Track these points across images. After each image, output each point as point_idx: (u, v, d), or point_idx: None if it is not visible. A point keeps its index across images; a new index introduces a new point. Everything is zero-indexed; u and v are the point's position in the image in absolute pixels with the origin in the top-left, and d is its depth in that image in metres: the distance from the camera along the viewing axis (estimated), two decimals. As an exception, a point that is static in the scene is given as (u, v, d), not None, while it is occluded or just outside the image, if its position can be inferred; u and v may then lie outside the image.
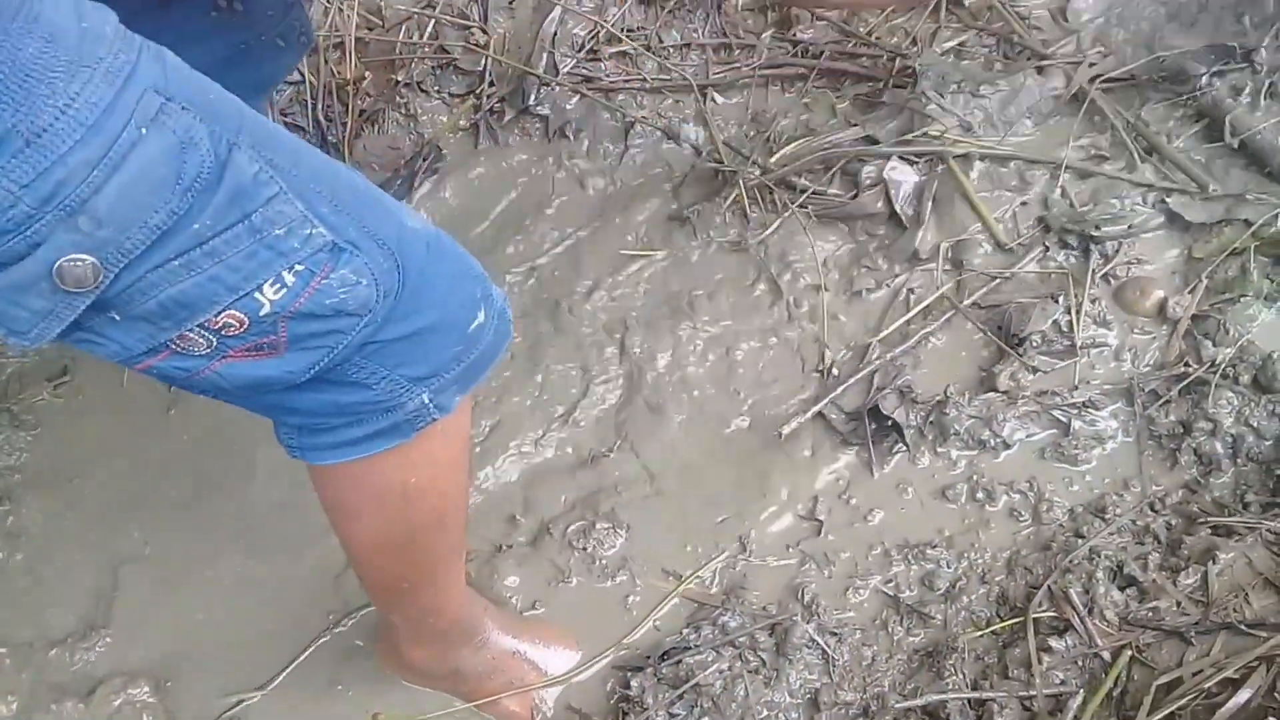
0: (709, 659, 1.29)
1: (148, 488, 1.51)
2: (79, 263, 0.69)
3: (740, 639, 1.31)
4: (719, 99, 1.82)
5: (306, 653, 1.37)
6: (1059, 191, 1.63)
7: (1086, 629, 1.24)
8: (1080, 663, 1.23)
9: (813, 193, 1.64)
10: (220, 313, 0.76)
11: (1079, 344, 1.49)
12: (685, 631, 1.35)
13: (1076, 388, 1.47)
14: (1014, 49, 1.80)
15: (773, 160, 1.69)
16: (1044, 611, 1.27)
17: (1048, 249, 1.59)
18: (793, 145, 1.71)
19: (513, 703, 1.32)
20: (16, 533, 1.48)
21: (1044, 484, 1.42)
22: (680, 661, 1.29)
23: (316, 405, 0.88)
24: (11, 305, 0.71)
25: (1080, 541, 1.34)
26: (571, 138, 1.83)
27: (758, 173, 1.67)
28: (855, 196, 1.64)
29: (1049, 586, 1.28)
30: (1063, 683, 1.21)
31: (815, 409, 1.49)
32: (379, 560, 1.10)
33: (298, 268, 0.77)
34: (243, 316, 0.77)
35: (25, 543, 1.46)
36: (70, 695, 1.32)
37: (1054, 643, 1.24)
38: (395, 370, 0.87)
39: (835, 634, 1.31)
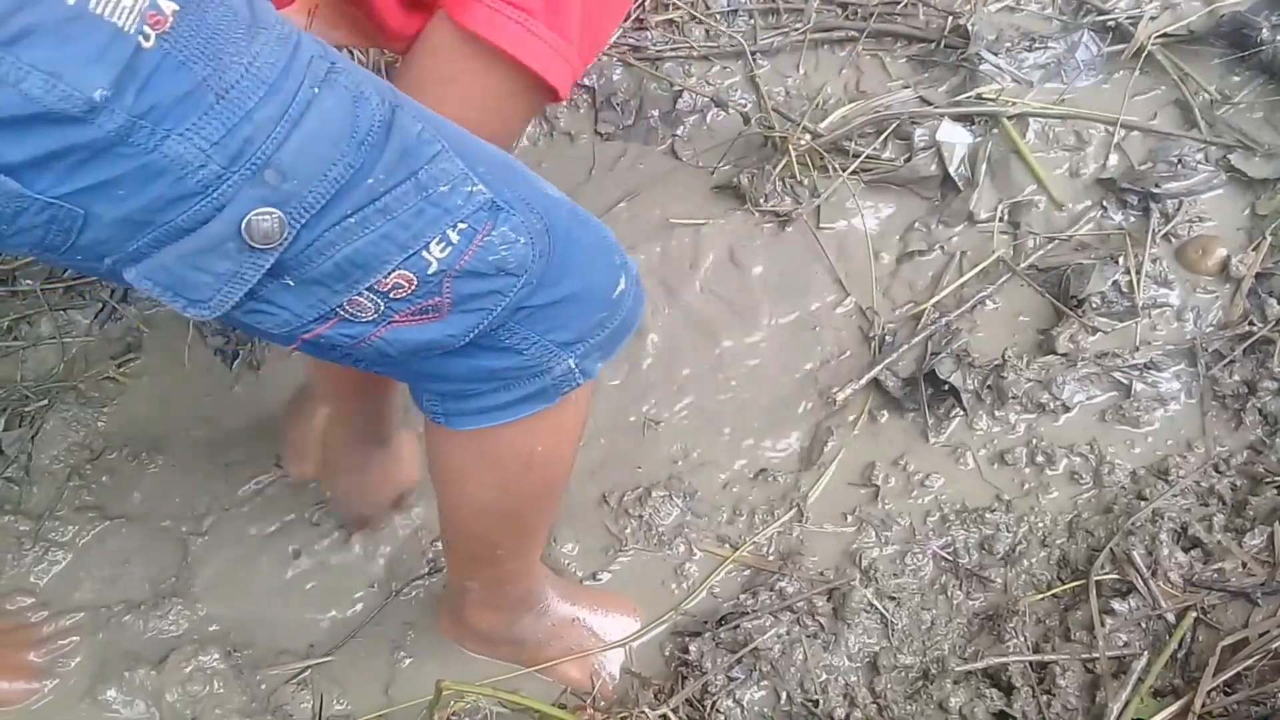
0: (767, 624, 1.29)
1: (214, 462, 1.54)
2: (266, 216, 0.70)
3: (798, 604, 1.31)
4: (767, 64, 1.80)
5: (370, 620, 1.39)
6: (1117, 150, 1.60)
7: (1150, 591, 1.23)
8: (1144, 625, 1.22)
9: (865, 158, 1.63)
10: (391, 272, 0.78)
11: (1140, 305, 1.47)
12: (742, 597, 1.35)
13: (1138, 349, 1.45)
14: (1070, 5, 1.76)
15: (823, 125, 1.68)
16: (1106, 574, 1.26)
17: (1106, 209, 1.57)
18: (843, 109, 1.69)
19: (572, 668, 1.34)
20: (87, 507, 1.51)
21: (1105, 446, 1.40)
22: (738, 626, 1.29)
23: (469, 371, 0.90)
24: (194, 270, 0.73)
25: (1143, 504, 1.32)
26: (619, 109, 1.83)
27: (808, 138, 1.65)
28: (909, 160, 1.63)
29: (1111, 549, 1.27)
30: (1126, 645, 1.21)
31: (870, 375, 1.48)
32: (481, 526, 1.12)
33: (461, 225, 0.79)
34: (412, 276, 0.78)
35: (96, 516, 1.50)
36: (143, 662, 1.35)
37: (1117, 605, 1.23)
38: (545, 335, 0.89)
39: (894, 598, 1.31)
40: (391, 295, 0.79)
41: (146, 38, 0.63)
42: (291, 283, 0.76)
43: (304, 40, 0.72)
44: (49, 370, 1.65)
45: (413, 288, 0.79)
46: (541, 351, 0.90)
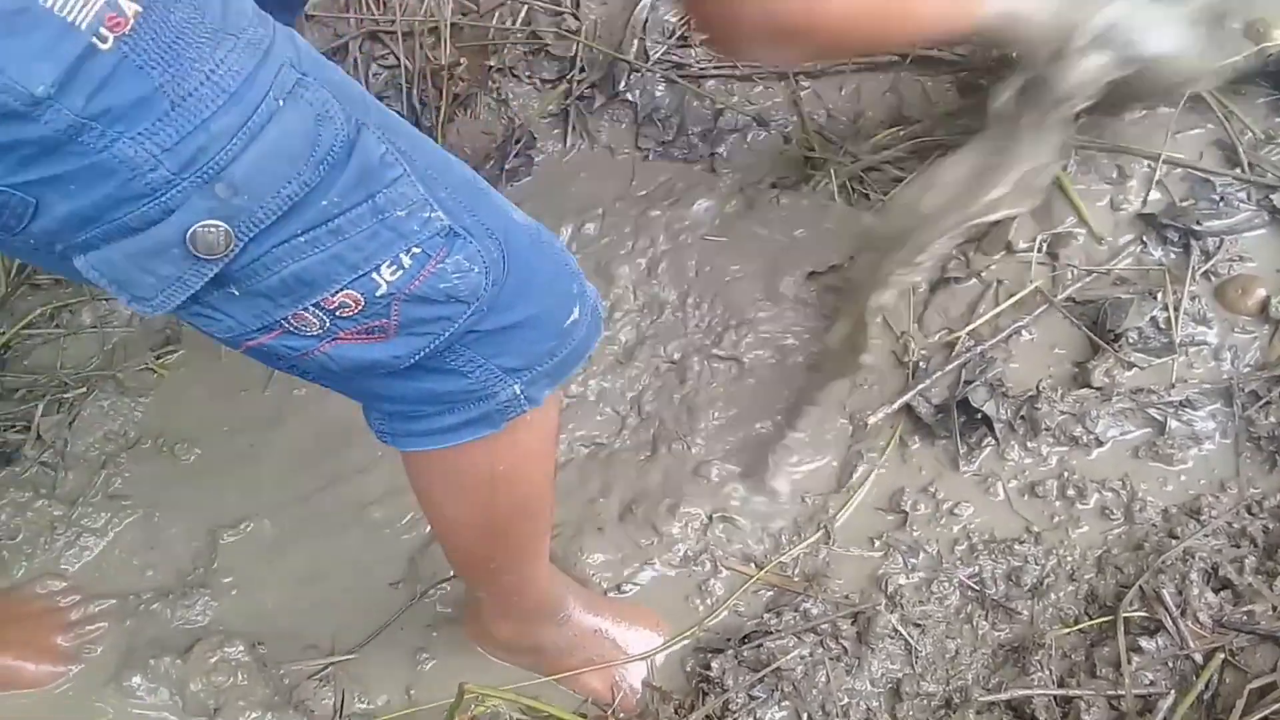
0: (790, 644, 1.29)
1: (247, 457, 1.56)
2: (212, 229, 0.70)
3: (822, 626, 1.31)
4: (810, 86, 1.81)
5: (394, 620, 1.40)
6: (1159, 186, 1.59)
7: (1179, 630, 1.22)
8: (1171, 664, 1.21)
9: (905, 182, 1.63)
10: (338, 292, 0.77)
11: (1177, 342, 1.46)
12: (766, 616, 1.35)
13: (1174, 386, 1.44)
14: (1116, 40, 1.76)
15: (864, 148, 1.68)
16: (1135, 611, 1.25)
17: (1146, 244, 1.56)
18: (885, 134, 1.70)
19: (594, 679, 1.34)
20: (120, 495, 1.54)
21: (1137, 483, 1.39)
22: (761, 645, 1.29)
23: (412, 393, 0.90)
24: (140, 271, 0.73)
25: (1174, 542, 1.31)
26: (660, 125, 1.84)
27: (849, 161, 1.66)
28: (948, 187, 1.62)
29: (1141, 586, 1.26)
30: (1152, 683, 1.20)
31: (902, 400, 1.48)
32: (465, 542, 1.12)
33: (415, 250, 0.78)
34: (359, 296, 0.78)
35: (129, 505, 1.52)
36: (169, 651, 1.36)
37: (1144, 643, 1.22)
38: (491, 360, 0.89)
39: (919, 625, 1.31)
40: (337, 313, 0.79)
41: (103, 39, 0.63)
42: (236, 293, 0.76)
43: (276, 46, 0.71)
44: (88, 359, 1.68)
45: (359, 308, 0.79)
46: (487, 375, 0.89)
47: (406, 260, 0.78)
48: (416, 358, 0.84)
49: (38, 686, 1.37)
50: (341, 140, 0.73)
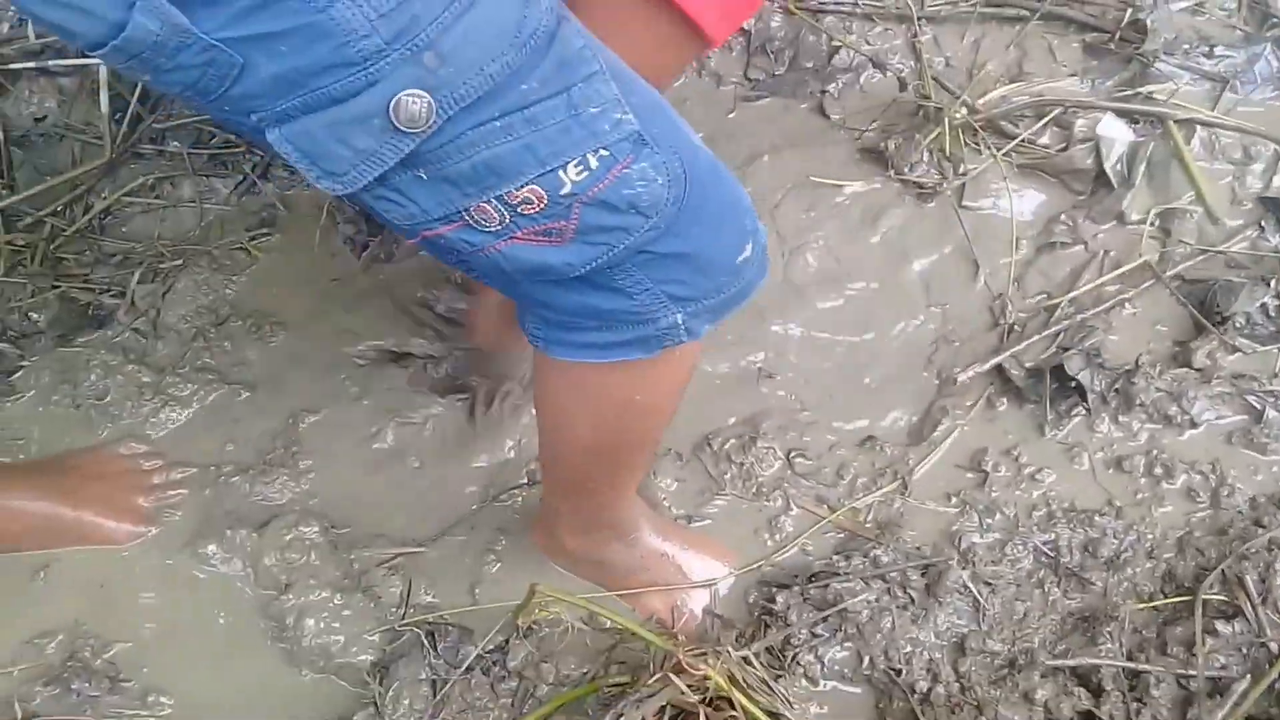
0: (857, 588, 1.29)
1: (333, 346, 1.57)
2: (416, 99, 0.70)
3: (891, 574, 1.30)
4: (931, 32, 1.76)
5: (466, 520, 1.41)
6: (1285, 171, 1.55)
7: (1258, 617, 1.20)
8: (1245, 650, 1.20)
9: (1021, 141, 1.59)
10: (523, 185, 0.77)
11: (1286, 331, 1.43)
12: (835, 558, 1.35)
13: (1277, 375, 1.41)
14: (1255, 16, 1.70)
15: (981, 101, 1.64)
16: (1214, 594, 1.23)
17: (1264, 229, 1.52)
18: (1004, 89, 1.65)
19: (656, 600, 1.35)
20: (207, 369, 1.56)
21: (1227, 468, 1.37)
22: (828, 586, 1.29)
23: (575, 305, 0.89)
24: (336, 142, 0.72)
25: (1260, 531, 1.29)
26: (773, 56, 1.81)
27: (964, 112, 1.62)
28: (1064, 150, 1.59)
29: (1223, 570, 1.24)
30: (1223, 667, 1.18)
31: (995, 360, 1.46)
32: (573, 457, 1.12)
33: (603, 152, 0.77)
34: (543, 193, 0.78)
35: (215, 379, 1.54)
36: (245, 524, 1.39)
37: (1220, 627, 1.20)
38: (660, 285, 0.88)
39: (989, 584, 1.30)
40: (519, 209, 0.78)
41: None
42: (424, 176, 0.76)
43: None
44: (185, 232, 1.70)
45: (541, 205, 0.78)
46: (652, 300, 0.88)
47: (594, 161, 0.77)
48: (588, 267, 0.84)
49: (116, 544, 1.40)
50: (545, 26, 0.73)
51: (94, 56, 0.72)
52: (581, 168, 0.77)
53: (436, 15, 0.68)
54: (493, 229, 0.80)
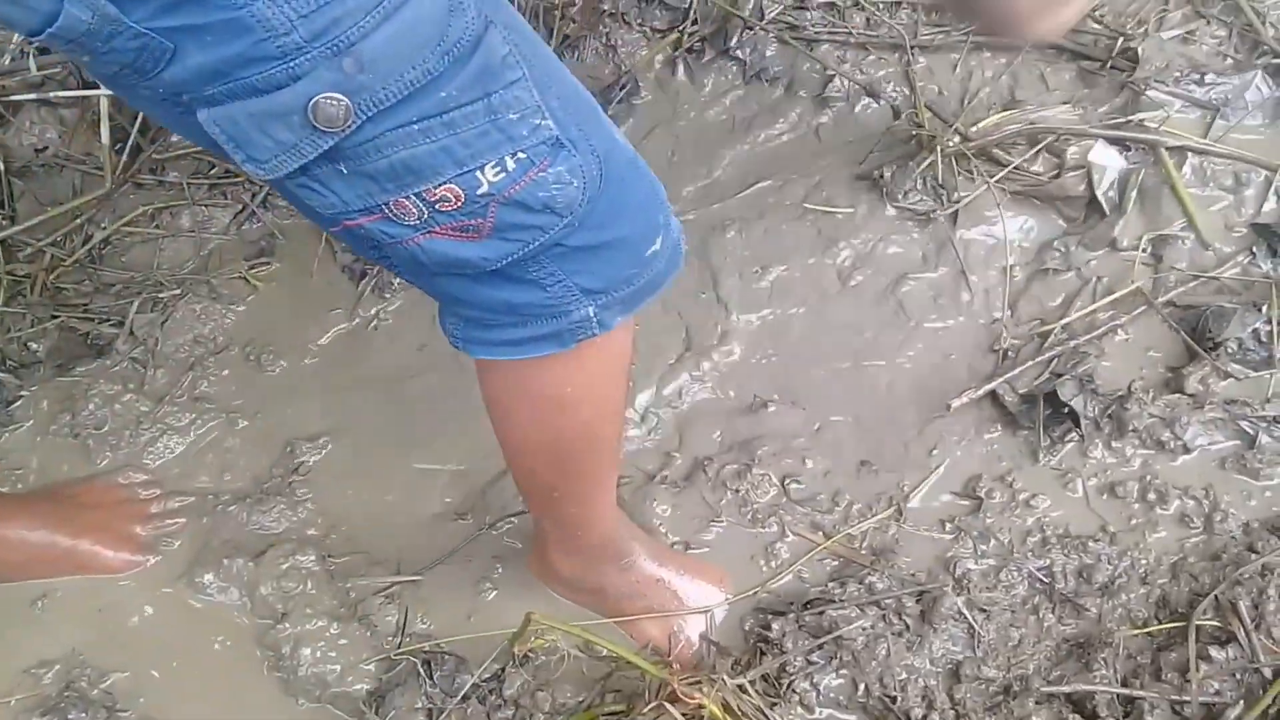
0: (852, 614, 1.29)
1: (330, 373, 1.58)
2: (334, 102, 0.72)
3: (886, 601, 1.31)
4: (924, 60, 1.78)
5: (461, 548, 1.42)
6: (1275, 197, 1.55)
7: (1251, 643, 1.20)
8: (1239, 676, 1.19)
9: (1013, 168, 1.60)
10: (441, 185, 0.79)
11: (1277, 356, 1.43)
12: (830, 585, 1.35)
13: (1269, 401, 1.41)
14: (1246, 44, 1.71)
15: (974, 129, 1.65)
16: (1208, 619, 1.24)
17: (1255, 255, 1.53)
18: (997, 116, 1.67)
19: (652, 627, 1.35)
20: (205, 397, 1.57)
21: (1220, 494, 1.37)
22: (823, 613, 1.29)
23: (490, 300, 0.91)
24: (259, 132, 0.74)
25: (1254, 556, 1.29)
26: (767, 84, 1.82)
27: (957, 140, 1.63)
28: (1057, 177, 1.59)
29: (1216, 596, 1.25)
30: (1218, 693, 1.18)
31: (988, 386, 1.47)
32: (529, 464, 1.13)
33: (520, 155, 0.79)
34: (460, 192, 0.79)
35: (213, 409, 1.55)
36: (243, 552, 1.39)
37: (1214, 652, 1.20)
38: (571, 277, 0.90)
39: (984, 611, 1.30)
40: (437, 206, 0.80)
41: None
42: (344, 170, 0.77)
43: None
44: (184, 262, 1.71)
45: (459, 204, 0.80)
46: (564, 292, 0.90)
47: (510, 164, 0.79)
48: (504, 262, 0.86)
49: (114, 573, 1.41)
50: (470, 34, 0.74)
51: (35, 42, 0.74)
52: (499, 169, 0.79)
53: (357, 20, 0.69)
54: (411, 223, 0.81)
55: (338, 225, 0.83)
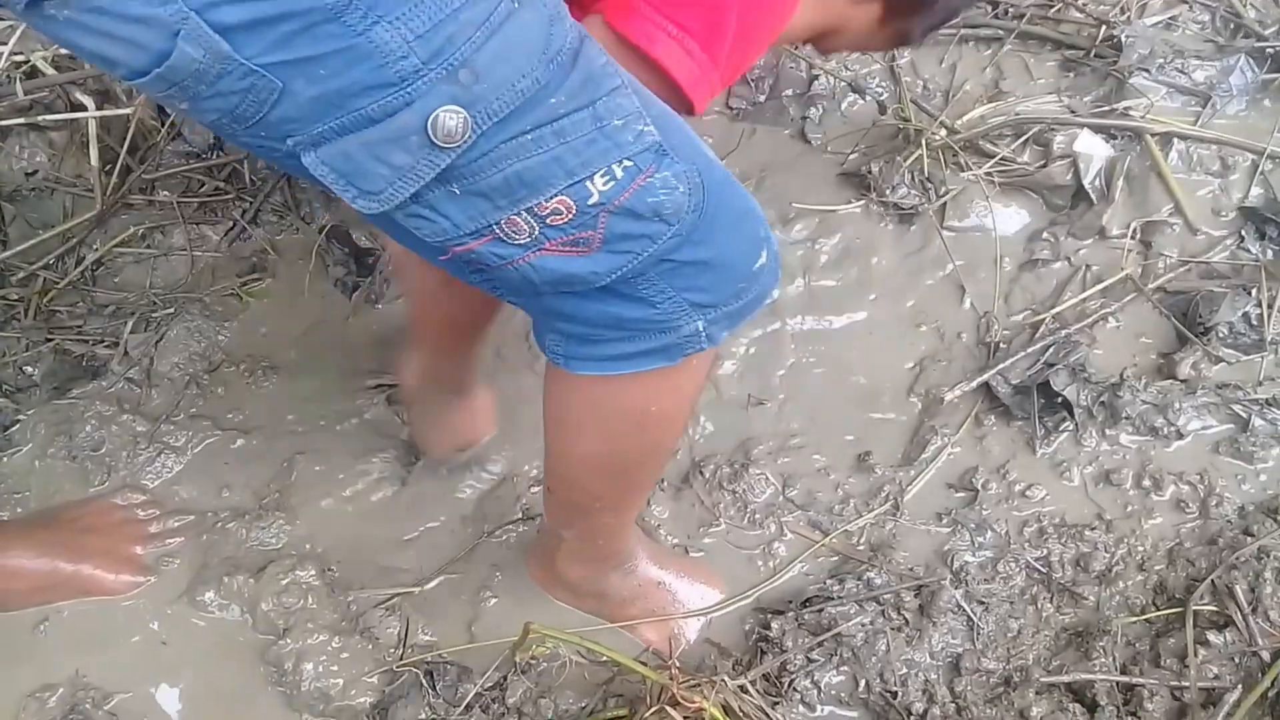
0: (851, 611, 1.29)
1: (325, 388, 1.58)
2: (454, 115, 0.73)
3: (885, 596, 1.31)
4: (908, 55, 1.78)
5: (461, 558, 1.42)
6: (1261, 181, 1.56)
7: (1248, 627, 1.20)
8: (1237, 660, 1.20)
9: (999, 159, 1.60)
10: (552, 197, 0.80)
11: (1268, 339, 1.44)
12: (829, 582, 1.35)
13: (1261, 384, 1.41)
14: (1228, 28, 1.71)
15: (960, 122, 1.66)
16: (1205, 604, 1.24)
17: (1243, 239, 1.53)
18: (983, 108, 1.67)
19: (652, 630, 1.35)
20: (201, 415, 1.57)
21: (1215, 478, 1.37)
22: (822, 610, 1.30)
23: (598, 315, 0.91)
24: (373, 161, 0.75)
25: (1249, 540, 1.30)
26: (753, 84, 1.83)
27: (943, 133, 1.64)
28: (1043, 167, 1.60)
29: (1213, 581, 1.25)
30: (1216, 677, 1.19)
31: (981, 379, 1.47)
32: (585, 476, 1.13)
33: (626, 163, 0.81)
34: (571, 203, 0.80)
35: (207, 426, 1.55)
36: (242, 569, 1.39)
37: (1212, 637, 1.21)
38: (682, 293, 0.90)
39: (982, 603, 1.30)
40: (548, 220, 0.81)
41: None
42: (458, 191, 0.78)
43: None
44: (177, 280, 1.72)
45: (570, 216, 0.81)
46: (675, 308, 0.91)
47: (619, 171, 0.80)
48: (614, 276, 0.86)
49: (114, 594, 1.40)
50: (570, 43, 0.76)
51: (132, 84, 0.74)
52: (608, 178, 0.80)
53: (470, 35, 0.71)
54: (522, 241, 0.82)
55: (446, 253, 0.84)
